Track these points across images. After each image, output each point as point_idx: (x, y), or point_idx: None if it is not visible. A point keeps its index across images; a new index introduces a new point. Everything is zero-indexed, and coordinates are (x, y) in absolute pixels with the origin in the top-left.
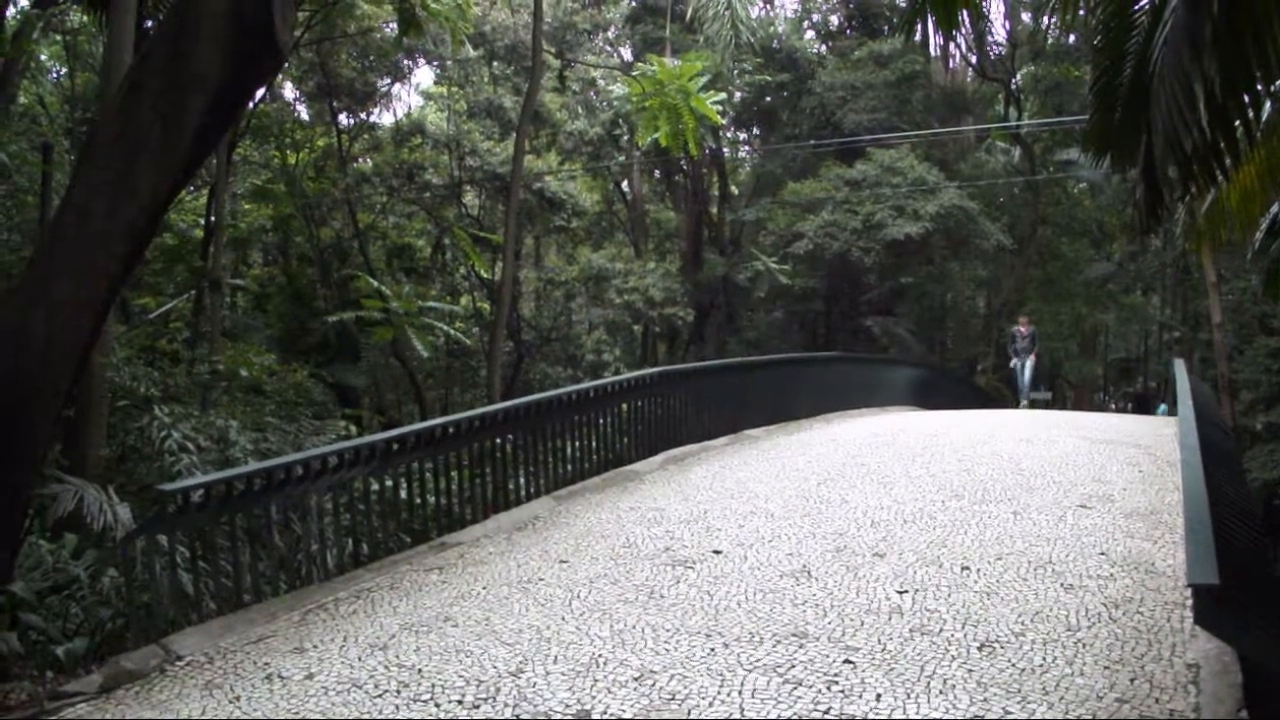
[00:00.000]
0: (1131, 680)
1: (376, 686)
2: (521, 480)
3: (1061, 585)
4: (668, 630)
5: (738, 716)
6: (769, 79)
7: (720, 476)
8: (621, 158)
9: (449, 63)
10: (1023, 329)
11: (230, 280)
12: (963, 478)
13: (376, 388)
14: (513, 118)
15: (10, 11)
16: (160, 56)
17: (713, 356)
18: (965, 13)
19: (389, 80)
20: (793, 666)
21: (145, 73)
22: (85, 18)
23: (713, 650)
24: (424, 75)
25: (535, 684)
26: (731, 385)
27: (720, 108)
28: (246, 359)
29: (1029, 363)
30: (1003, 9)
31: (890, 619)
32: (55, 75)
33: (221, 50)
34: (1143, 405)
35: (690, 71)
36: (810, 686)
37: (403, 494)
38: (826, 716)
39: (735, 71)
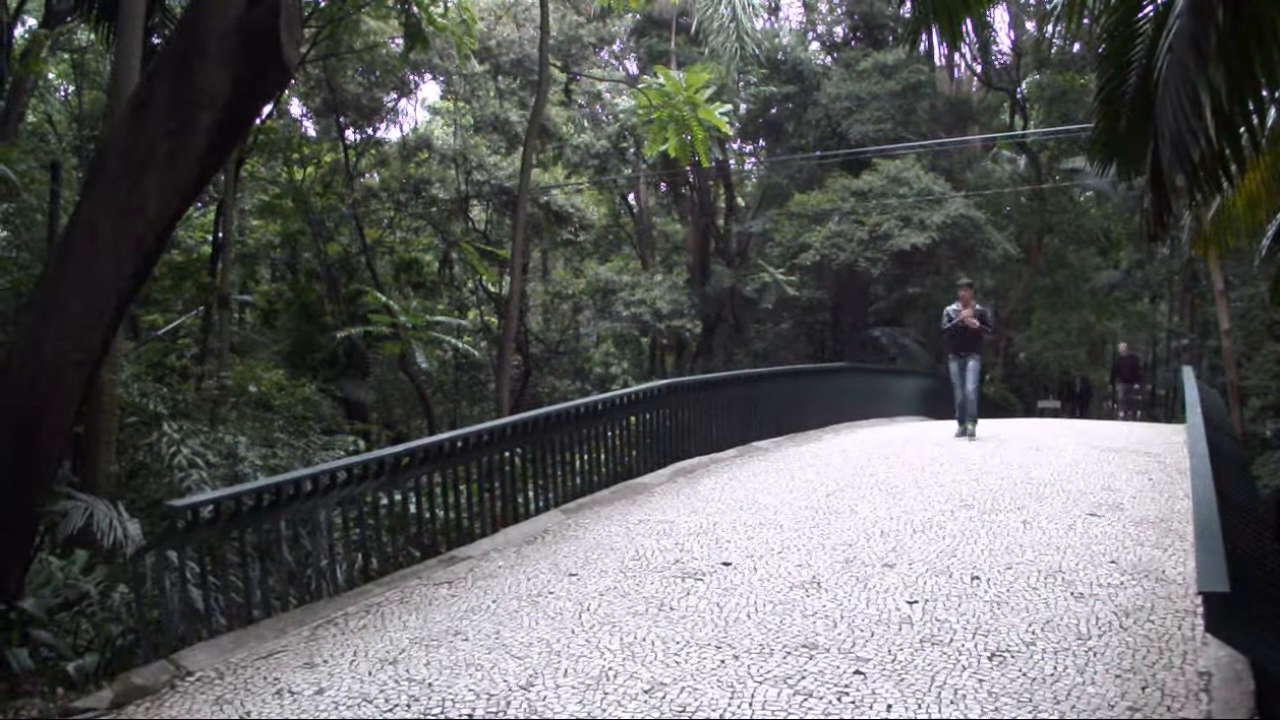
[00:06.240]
0: (1143, 688)
1: (387, 701)
2: (530, 493)
3: (1072, 594)
4: (678, 643)
5: None
6: (774, 90)
7: (729, 488)
8: (628, 171)
9: (455, 77)
10: (964, 308)
11: (238, 296)
12: (972, 487)
13: (385, 402)
14: (519, 132)
15: (18, 31)
16: (167, 74)
17: (720, 368)
18: (969, 22)
19: (395, 95)
20: (803, 678)
21: (153, 90)
22: (93, 36)
23: (723, 662)
24: (430, 90)
25: (545, 697)
26: (739, 397)
27: (726, 119)
28: (255, 374)
29: (972, 365)
30: (1007, 18)
31: (900, 629)
32: (63, 93)
33: (228, 67)
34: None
35: (697, 83)
36: (821, 698)
37: (412, 508)
38: None
39: (741, 84)
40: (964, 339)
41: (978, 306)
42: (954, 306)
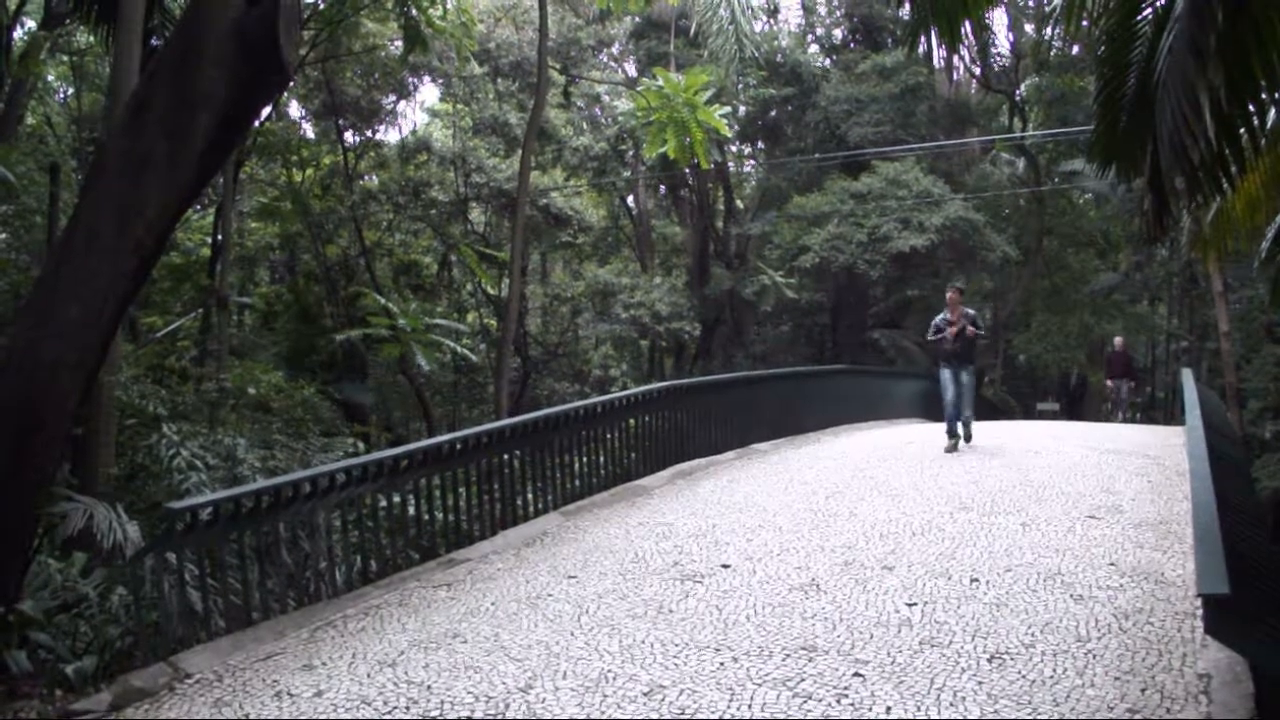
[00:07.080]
0: (1142, 691)
1: (385, 703)
2: (530, 496)
3: (1071, 596)
4: (677, 645)
5: None
6: (773, 93)
7: (728, 490)
8: (627, 173)
9: (454, 80)
10: (952, 314)
11: (237, 298)
12: (971, 489)
13: (384, 404)
14: (518, 134)
15: (17, 33)
16: (166, 76)
17: (719, 371)
18: (968, 25)
19: (394, 98)
20: (802, 680)
21: (152, 92)
22: (91, 38)
23: (722, 664)
24: (429, 92)
25: (544, 700)
26: (739, 399)
27: (725, 121)
28: (254, 376)
29: (966, 380)
30: (1006, 20)
31: (900, 631)
32: (62, 95)
33: (227, 69)
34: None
35: (696, 85)
36: (820, 700)
37: (411, 510)
38: None
39: (740, 86)
40: (956, 348)
41: (968, 311)
42: (942, 316)
